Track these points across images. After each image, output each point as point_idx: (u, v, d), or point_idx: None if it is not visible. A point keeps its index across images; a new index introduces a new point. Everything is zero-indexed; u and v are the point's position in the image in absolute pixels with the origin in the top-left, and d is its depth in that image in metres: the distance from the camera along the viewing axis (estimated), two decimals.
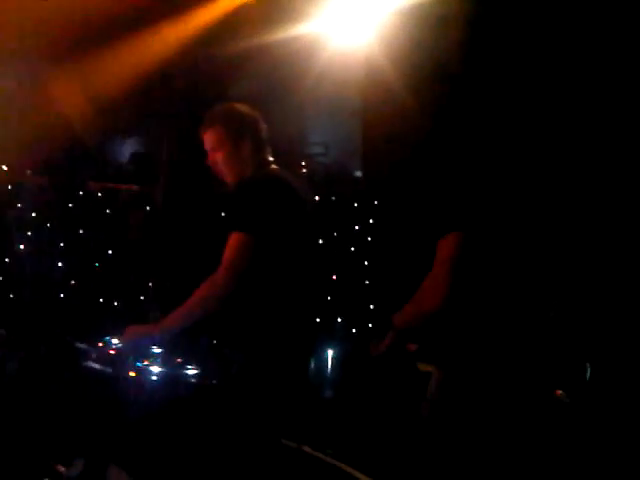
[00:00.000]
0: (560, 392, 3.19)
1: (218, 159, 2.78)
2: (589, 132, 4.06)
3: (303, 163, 6.33)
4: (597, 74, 4.00)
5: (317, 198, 6.54)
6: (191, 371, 3.19)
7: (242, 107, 2.86)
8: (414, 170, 4.63)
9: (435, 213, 2.31)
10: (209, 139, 2.80)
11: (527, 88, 4.21)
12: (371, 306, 5.97)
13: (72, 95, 5.76)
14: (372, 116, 5.13)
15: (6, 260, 6.05)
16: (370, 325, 5.72)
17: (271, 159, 2.83)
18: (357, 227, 6.43)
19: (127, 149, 6.74)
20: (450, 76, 4.46)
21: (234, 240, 2.47)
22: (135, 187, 6.60)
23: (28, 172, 6.42)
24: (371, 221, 6.36)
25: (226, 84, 6.03)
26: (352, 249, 6.29)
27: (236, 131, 2.75)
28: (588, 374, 3.17)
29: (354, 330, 5.94)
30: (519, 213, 2.50)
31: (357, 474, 2.76)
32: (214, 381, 3.03)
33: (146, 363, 3.26)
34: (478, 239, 2.24)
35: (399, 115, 4.71)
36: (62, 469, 2.36)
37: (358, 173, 6.58)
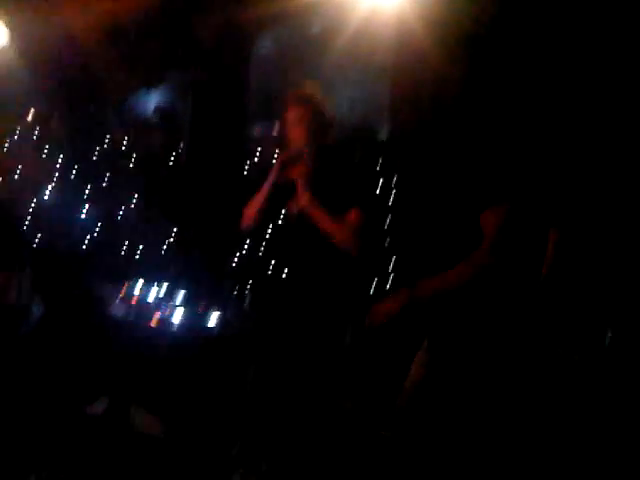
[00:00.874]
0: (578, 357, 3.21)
1: (296, 135, 3.00)
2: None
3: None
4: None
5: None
6: (213, 317, 3.23)
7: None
8: (443, 137, 4.58)
9: (481, 185, 2.19)
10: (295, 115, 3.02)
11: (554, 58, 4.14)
12: (390, 273, 5.92)
13: (97, 45, 5.74)
14: (402, 78, 5.06)
15: (32, 208, 6.12)
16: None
17: None
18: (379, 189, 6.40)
19: (152, 102, 6.72)
20: (480, 40, 4.39)
21: None
22: (161, 137, 6.60)
23: (54, 119, 6.43)
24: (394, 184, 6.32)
25: (253, 41, 5.98)
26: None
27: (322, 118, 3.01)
28: (608, 340, 3.17)
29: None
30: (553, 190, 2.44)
31: None
32: (235, 326, 3.08)
33: (168, 311, 3.32)
34: (522, 214, 2.16)
35: (428, 77, 4.65)
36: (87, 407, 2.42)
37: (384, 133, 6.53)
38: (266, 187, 2.90)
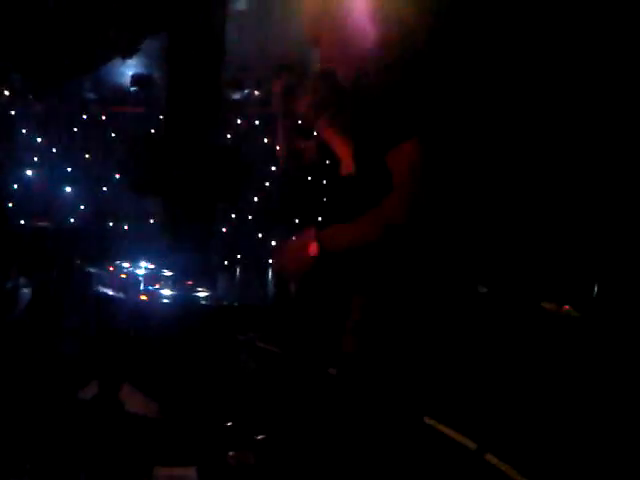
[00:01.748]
0: (569, 307, 3.24)
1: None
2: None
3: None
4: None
5: None
6: (202, 293, 3.23)
7: None
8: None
9: (386, 119, 1.65)
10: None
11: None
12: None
13: (70, 14, 5.62)
14: (380, 31, 4.98)
15: (15, 186, 6.06)
16: None
17: None
18: None
19: (128, 71, 6.62)
20: None
21: None
22: (139, 109, 6.52)
23: (30, 97, 6.34)
24: None
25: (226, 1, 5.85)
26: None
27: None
28: (595, 291, 3.20)
29: None
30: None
31: None
32: (224, 303, 3.08)
33: (157, 286, 3.31)
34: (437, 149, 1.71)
35: (410, 29, 4.57)
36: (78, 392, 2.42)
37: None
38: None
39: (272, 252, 2.25)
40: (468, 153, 1.86)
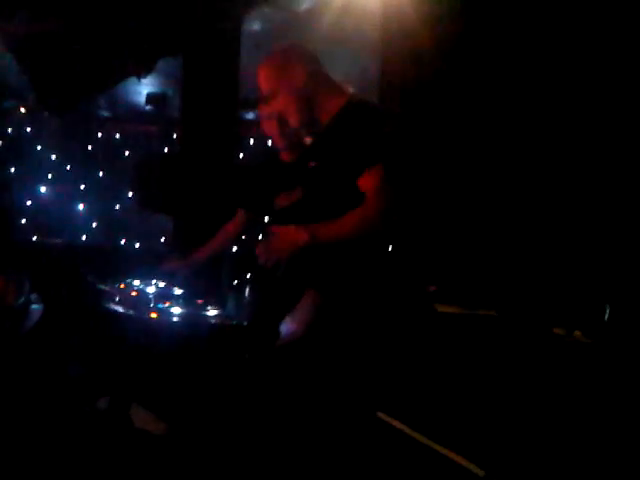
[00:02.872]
0: (579, 333, 3.21)
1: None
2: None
3: None
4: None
5: None
6: (212, 311, 3.23)
7: None
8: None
9: (357, 152, 2.25)
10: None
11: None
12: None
13: (86, 34, 5.68)
14: (390, 53, 5.02)
15: (28, 203, 6.11)
16: None
17: None
18: None
19: (143, 89, 6.67)
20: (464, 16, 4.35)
21: None
22: (154, 128, 6.57)
23: (46, 114, 6.41)
24: None
25: (241, 19, 5.91)
26: None
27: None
28: (607, 315, 3.17)
29: None
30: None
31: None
32: (234, 322, 3.08)
33: (167, 304, 3.31)
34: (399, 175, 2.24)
35: (416, 52, 4.61)
36: (87, 408, 2.43)
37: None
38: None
39: (257, 245, 2.40)
40: (419, 177, 2.33)
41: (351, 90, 2.50)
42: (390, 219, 2.28)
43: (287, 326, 2.44)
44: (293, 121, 2.43)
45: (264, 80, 2.45)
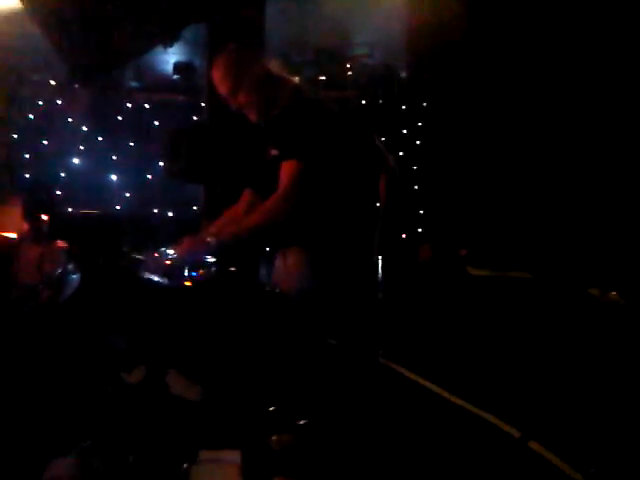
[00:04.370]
0: (615, 294, 3.17)
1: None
2: None
3: (348, 65, 6.17)
4: None
5: (363, 102, 6.41)
6: (245, 274, 3.26)
7: None
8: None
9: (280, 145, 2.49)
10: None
11: None
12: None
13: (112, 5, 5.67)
14: (417, 16, 4.93)
15: (62, 174, 6.19)
16: None
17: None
18: (405, 131, 6.30)
19: (170, 59, 6.66)
20: None
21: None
22: (181, 97, 6.57)
23: (76, 86, 6.44)
24: (420, 124, 6.21)
25: None
26: (401, 154, 6.19)
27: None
28: None
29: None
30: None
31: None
32: (267, 288, 3.10)
33: (201, 273, 3.35)
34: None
35: (443, 15, 4.53)
36: (124, 376, 2.47)
37: (404, 74, 6.39)
38: None
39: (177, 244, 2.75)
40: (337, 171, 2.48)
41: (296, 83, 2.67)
42: (291, 210, 2.46)
43: (281, 281, 2.77)
44: (253, 117, 2.69)
45: (221, 80, 2.63)
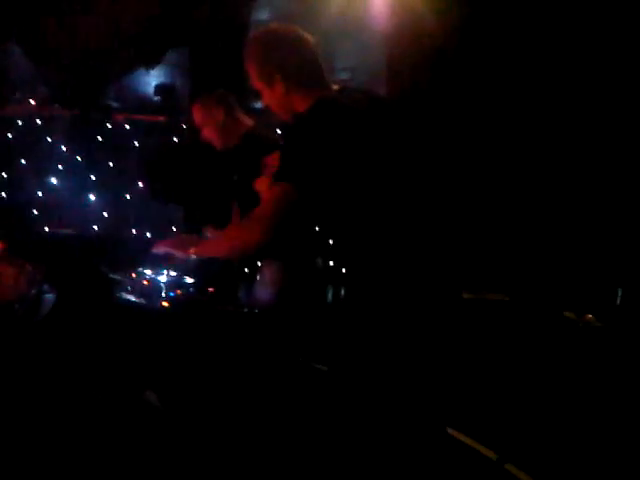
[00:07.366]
0: (591, 316, 3.20)
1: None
2: None
3: None
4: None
5: None
6: (224, 295, 3.24)
7: None
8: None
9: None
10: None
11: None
12: None
13: (95, 26, 5.70)
14: (397, 40, 5.00)
15: (39, 194, 6.14)
16: None
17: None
18: None
19: (152, 80, 6.68)
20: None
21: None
22: (161, 118, 6.58)
23: (56, 106, 6.43)
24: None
25: (249, 12, 5.90)
26: None
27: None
28: (619, 298, 3.16)
29: None
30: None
31: None
32: (246, 309, 3.09)
33: (179, 293, 3.32)
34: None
35: (423, 38, 4.59)
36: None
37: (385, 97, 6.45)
38: None
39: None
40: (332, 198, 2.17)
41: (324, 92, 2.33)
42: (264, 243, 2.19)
43: (259, 294, 2.86)
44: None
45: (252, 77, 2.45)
